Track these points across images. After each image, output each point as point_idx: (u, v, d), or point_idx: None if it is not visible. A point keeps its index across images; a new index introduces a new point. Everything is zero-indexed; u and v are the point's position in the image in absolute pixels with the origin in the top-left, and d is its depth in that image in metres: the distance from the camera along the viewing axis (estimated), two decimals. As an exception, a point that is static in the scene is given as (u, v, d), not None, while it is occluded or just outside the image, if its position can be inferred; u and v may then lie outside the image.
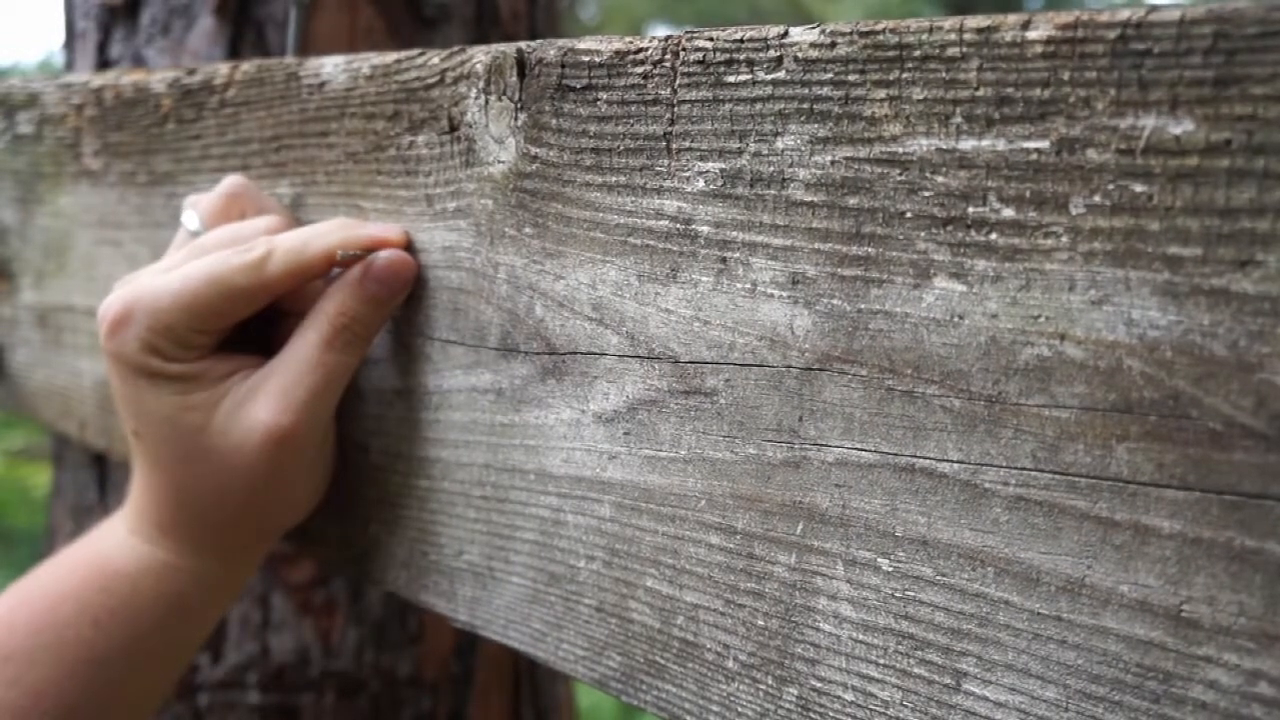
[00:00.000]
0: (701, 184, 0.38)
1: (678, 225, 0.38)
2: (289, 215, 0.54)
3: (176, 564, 0.52)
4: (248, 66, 0.58)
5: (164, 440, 0.50)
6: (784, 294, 0.36)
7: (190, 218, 0.53)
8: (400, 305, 0.50)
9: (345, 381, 0.50)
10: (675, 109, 0.38)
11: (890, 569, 0.34)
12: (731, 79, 0.36)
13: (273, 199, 0.55)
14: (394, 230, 0.49)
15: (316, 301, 0.49)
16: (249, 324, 0.51)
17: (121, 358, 0.49)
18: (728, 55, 0.36)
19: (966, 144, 0.31)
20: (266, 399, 0.48)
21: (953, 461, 0.32)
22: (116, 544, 0.52)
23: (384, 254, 0.48)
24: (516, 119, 0.44)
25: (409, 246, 0.49)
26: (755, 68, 0.36)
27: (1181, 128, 0.27)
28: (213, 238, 0.51)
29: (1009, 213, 0.31)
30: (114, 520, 0.54)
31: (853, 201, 0.34)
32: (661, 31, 0.41)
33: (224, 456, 0.49)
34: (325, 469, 0.54)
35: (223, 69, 0.59)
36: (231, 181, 0.54)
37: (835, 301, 0.35)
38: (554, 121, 0.42)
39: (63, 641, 0.50)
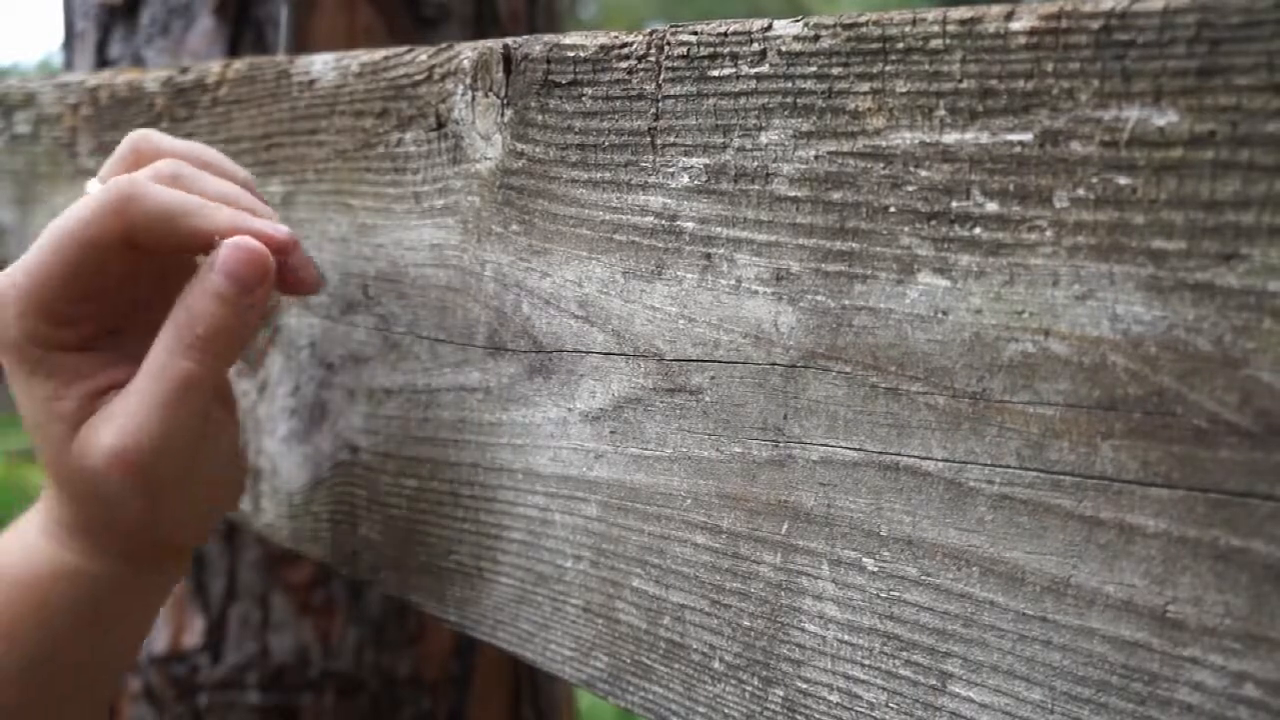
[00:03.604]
0: (686, 179, 0.37)
1: (662, 221, 0.38)
2: (203, 155, 0.48)
3: (85, 568, 0.47)
4: (239, 65, 0.57)
5: (40, 442, 0.46)
6: (768, 290, 0.35)
7: (92, 184, 0.47)
8: (265, 308, 0.44)
9: (203, 391, 0.44)
10: (660, 104, 0.38)
11: (875, 569, 0.33)
12: (715, 73, 0.36)
13: (189, 142, 0.49)
14: (281, 231, 0.44)
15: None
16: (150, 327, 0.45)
17: (3, 343, 0.44)
18: (712, 49, 0.36)
19: (950, 137, 0.31)
20: (112, 420, 0.43)
21: (937, 460, 0.32)
22: (27, 548, 0.48)
23: (229, 242, 0.42)
24: (503, 115, 0.43)
25: (290, 251, 0.44)
26: (739, 61, 0.35)
27: (1165, 119, 0.27)
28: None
29: (993, 206, 0.30)
30: (28, 518, 0.49)
31: (836, 196, 0.33)
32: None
33: (83, 477, 0.44)
34: (216, 485, 0.48)
35: (215, 67, 0.59)
36: (132, 136, 0.48)
37: (819, 298, 0.34)
38: (540, 118, 0.42)
39: None
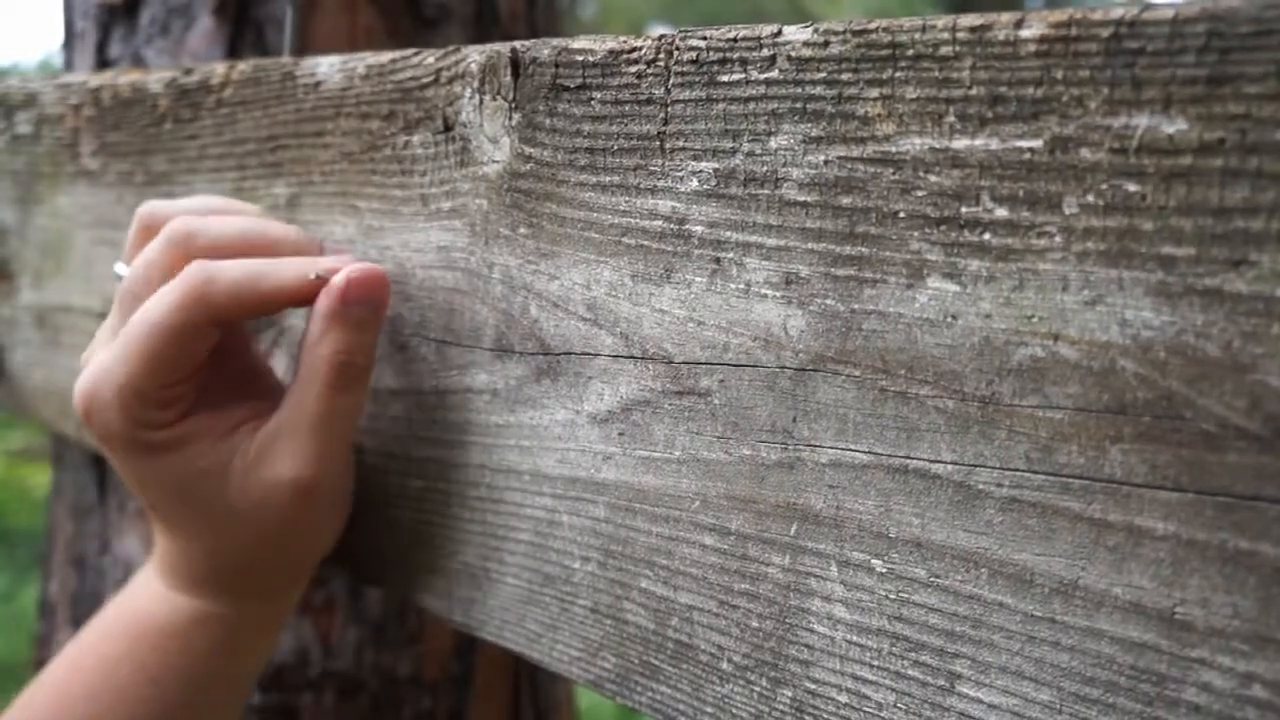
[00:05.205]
0: (695, 184, 0.37)
1: (672, 225, 0.38)
2: (208, 204, 0.51)
3: (222, 612, 0.51)
4: (244, 66, 0.58)
5: (181, 509, 0.49)
6: (777, 294, 0.36)
7: (120, 267, 0.51)
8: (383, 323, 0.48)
9: (358, 418, 0.49)
10: (669, 108, 0.38)
11: (884, 570, 0.34)
12: (725, 78, 0.36)
13: (189, 199, 0.52)
14: (348, 257, 0.49)
15: (303, 348, 0.47)
16: (226, 367, 0.50)
17: (110, 439, 0.48)
18: (721, 54, 0.36)
19: (960, 143, 0.31)
20: (285, 455, 0.47)
21: (946, 463, 0.32)
22: (157, 599, 0.51)
23: (355, 269, 0.46)
24: (511, 118, 0.43)
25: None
26: (749, 67, 0.36)
27: (1175, 127, 0.27)
28: (129, 278, 0.48)
29: (1002, 212, 0.30)
30: (147, 574, 0.53)
31: (846, 201, 0.34)
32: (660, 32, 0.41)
33: (248, 515, 0.48)
34: (349, 495, 0.53)
35: (219, 69, 0.59)
36: (140, 214, 0.51)
37: (829, 302, 0.34)
38: (548, 121, 0.42)
39: (124, 706, 0.50)
